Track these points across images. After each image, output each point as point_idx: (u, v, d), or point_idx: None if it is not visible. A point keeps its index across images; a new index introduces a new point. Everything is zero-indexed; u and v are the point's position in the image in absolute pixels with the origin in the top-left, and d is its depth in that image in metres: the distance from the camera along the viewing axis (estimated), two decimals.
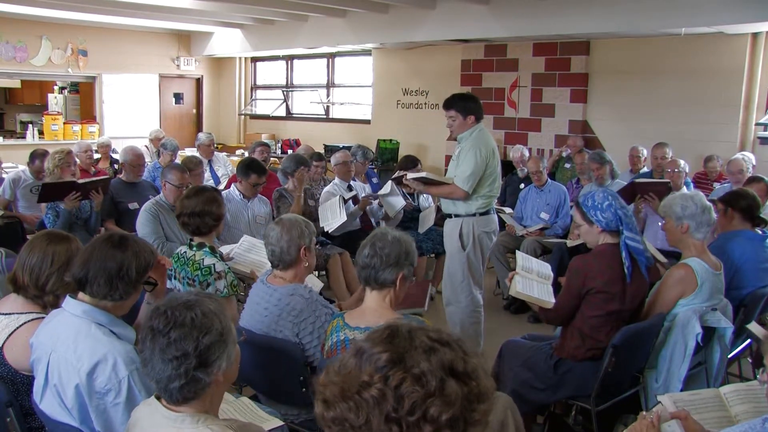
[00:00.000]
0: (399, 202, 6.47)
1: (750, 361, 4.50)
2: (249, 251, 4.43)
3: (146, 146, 9.66)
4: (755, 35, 8.01)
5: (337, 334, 2.85)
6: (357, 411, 1.27)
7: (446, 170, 9.51)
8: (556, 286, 3.80)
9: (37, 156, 6.81)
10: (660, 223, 4.25)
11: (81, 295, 2.48)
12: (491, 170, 4.73)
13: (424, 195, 6.82)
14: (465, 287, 4.80)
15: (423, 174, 4.87)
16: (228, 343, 1.95)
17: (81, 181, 5.67)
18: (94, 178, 5.92)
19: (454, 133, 4.85)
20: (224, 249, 4.44)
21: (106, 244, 2.49)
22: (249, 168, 5.73)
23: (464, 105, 4.75)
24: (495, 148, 4.81)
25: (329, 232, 5.97)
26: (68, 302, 2.47)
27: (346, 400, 1.28)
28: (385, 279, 2.81)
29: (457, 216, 4.80)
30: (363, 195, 6.56)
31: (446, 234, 4.89)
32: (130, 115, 13.01)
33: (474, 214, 4.75)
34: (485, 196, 4.75)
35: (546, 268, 3.97)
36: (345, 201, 6.11)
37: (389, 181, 6.55)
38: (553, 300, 3.63)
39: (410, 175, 4.88)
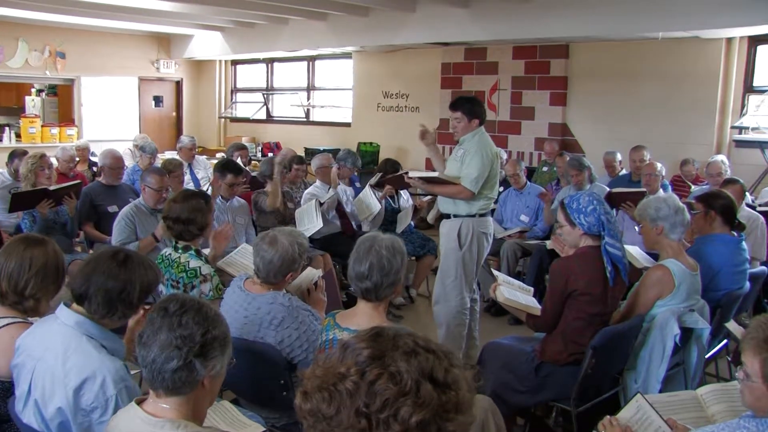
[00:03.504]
0: (375, 206, 6.48)
1: (729, 359, 4.55)
2: (242, 256, 4.39)
3: (130, 149, 9.59)
4: (729, 40, 8.14)
5: (327, 333, 2.86)
6: (330, 401, 1.28)
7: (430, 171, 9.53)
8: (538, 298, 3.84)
9: (16, 155, 6.74)
10: (636, 228, 4.30)
11: (75, 305, 2.44)
12: (494, 173, 4.79)
13: (404, 196, 6.83)
14: (456, 286, 4.81)
15: (434, 174, 4.90)
16: (227, 349, 1.99)
17: (52, 188, 5.61)
18: (65, 184, 5.85)
19: (457, 135, 4.88)
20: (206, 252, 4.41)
21: (111, 261, 2.44)
22: (225, 168, 5.73)
23: (470, 107, 4.79)
24: (496, 152, 4.88)
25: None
26: (62, 310, 2.44)
27: (322, 391, 1.29)
28: (386, 294, 2.81)
29: (456, 216, 4.82)
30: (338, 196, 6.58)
31: (443, 233, 4.90)
32: (110, 118, 12.92)
33: (474, 215, 4.78)
34: (486, 198, 4.79)
35: (524, 285, 4.04)
36: (321, 204, 6.11)
37: (367, 186, 6.56)
38: (539, 306, 3.66)
39: (415, 174, 4.90)
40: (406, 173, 5.00)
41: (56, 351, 2.33)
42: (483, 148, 4.71)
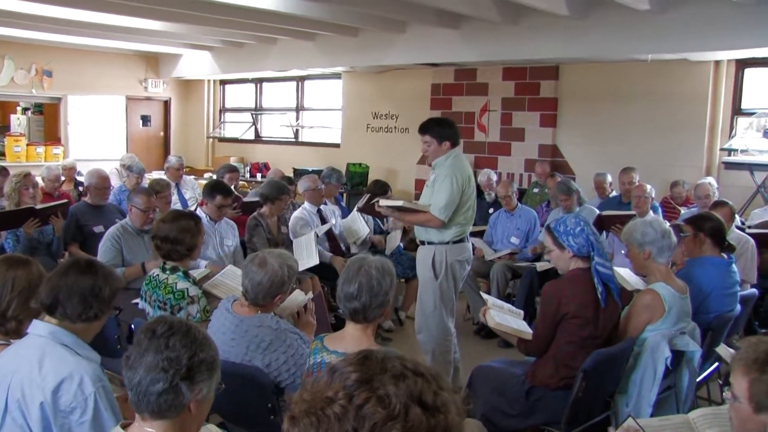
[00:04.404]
0: (363, 230, 6.47)
1: (719, 382, 4.55)
2: (229, 278, 4.37)
3: (117, 169, 9.58)
4: (717, 63, 8.26)
5: (314, 357, 2.85)
6: (318, 426, 1.26)
7: (416, 194, 9.57)
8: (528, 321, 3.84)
9: None
10: (623, 251, 4.30)
11: (47, 318, 2.46)
12: (467, 198, 4.66)
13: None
14: (437, 316, 4.73)
15: (399, 203, 4.80)
16: (215, 373, 1.98)
17: (39, 206, 5.60)
18: (53, 203, 5.85)
19: (429, 159, 4.80)
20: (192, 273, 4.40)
21: (74, 268, 2.49)
22: (214, 189, 5.69)
23: (440, 130, 4.68)
24: (471, 175, 4.75)
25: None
26: (35, 325, 2.45)
27: (309, 416, 1.28)
28: (375, 316, 2.81)
29: (429, 243, 4.74)
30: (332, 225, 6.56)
31: (419, 262, 4.83)
32: (96, 138, 12.86)
33: (447, 242, 4.68)
34: (459, 224, 4.67)
35: (514, 308, 4.02)
36: (317, 236, 6.06)
37: (354, 210, 6.54)
38: (530, 330, 3.66)
39: (383, 202, 4.81)
40: (376, 201, 4.91)
41: (31, 360, 2.34)
42: (454, 173, 4.58)
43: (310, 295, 3.75)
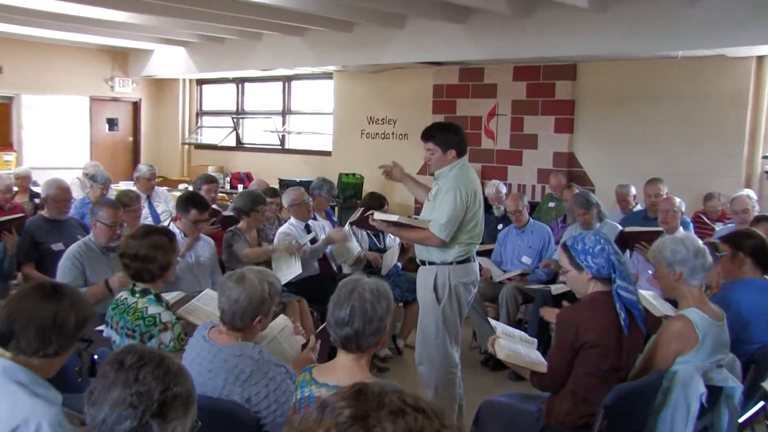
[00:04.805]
0: (354, 248, 6.46)
1: (767, 423, 4.50)
2: (206, 303, 4.36)
3: (79, 179, 9.58)
4: (760, 58, 8.21)
5: (302, 390, 2.83)
6: None
7: (416, 208, 9.57)
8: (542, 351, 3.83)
9: None
10: (650, 272, 4.26)
11: (0, 350, 2.42)
12: (472, 214, 4.66)
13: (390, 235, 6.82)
14: (439, 344, 4.72)
15: (394, 218, 4.82)
16: (191, 410, 1.97)
17: None
18: (5, 217, 5.82)
19: (432, 168, 4.82)
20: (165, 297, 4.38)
21: (36, 293, 2.45)
22: (188, 202, 5.68)
23: (445, 137, 4.69)
24: (478, 189, 4.75)
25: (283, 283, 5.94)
26: None
27: None
28: (369, 344, 2.80)
29: (431, 263, 4.73)
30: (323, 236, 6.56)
31: (419, 284, 4.83)
32: (56, 143, 12.89)
33: (451, 263, 4.68)
34: (464, 243, 4.67)
35: (526, 336, 4.01)
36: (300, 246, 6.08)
37: (347, 225, 6.54)
38: (544, 362, 3.64)
39: (378, 216, 4.83)
40: (371, 214, 4.93)
41: None
42: (457, 185, 4.58)
43: (297, 327, 3.75)
